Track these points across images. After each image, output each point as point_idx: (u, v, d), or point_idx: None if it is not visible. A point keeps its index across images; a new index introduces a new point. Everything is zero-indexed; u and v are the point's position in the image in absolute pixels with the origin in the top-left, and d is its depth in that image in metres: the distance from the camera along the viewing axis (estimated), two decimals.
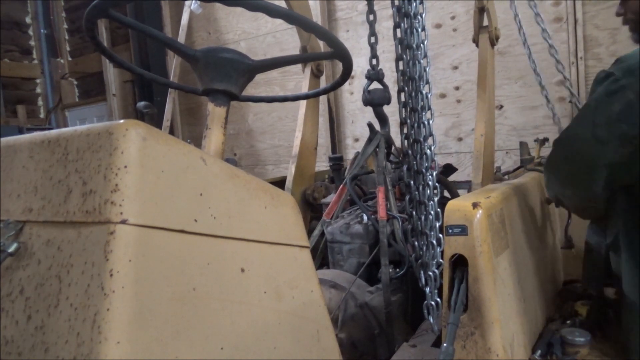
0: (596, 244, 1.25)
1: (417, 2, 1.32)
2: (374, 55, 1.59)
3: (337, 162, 2.07)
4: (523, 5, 2.47)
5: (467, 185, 1.87)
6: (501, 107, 2.92)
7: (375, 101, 1.65)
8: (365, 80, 1.65)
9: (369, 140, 1.68)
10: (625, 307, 1.11)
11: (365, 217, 1.56)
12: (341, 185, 1.70)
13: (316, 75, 2.19)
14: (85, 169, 0.60)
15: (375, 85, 1.65)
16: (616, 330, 1.27)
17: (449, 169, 1.90)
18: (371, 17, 1.53)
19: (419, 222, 1.36)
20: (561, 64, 2.01)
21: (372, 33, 1.55)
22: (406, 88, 1.37)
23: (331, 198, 1.72)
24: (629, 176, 1.03)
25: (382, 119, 1.73)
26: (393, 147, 1.74)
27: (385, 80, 1.66)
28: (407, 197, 1.40)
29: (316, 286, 0.89)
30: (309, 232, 1.56)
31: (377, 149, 1.64)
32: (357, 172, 1.72)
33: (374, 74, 1.61)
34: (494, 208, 1.05)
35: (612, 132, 0.97)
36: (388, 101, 1.65)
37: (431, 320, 1.24)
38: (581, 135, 1.04)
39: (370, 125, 1.70)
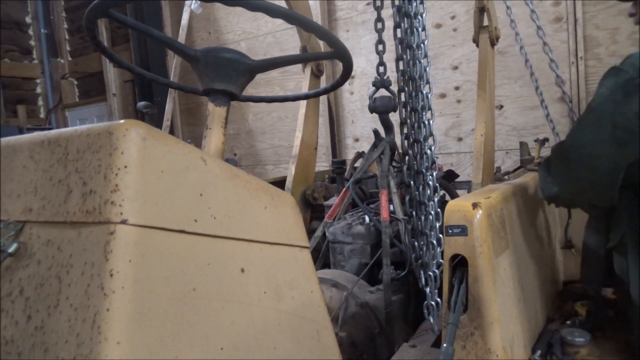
0: (595, 245, 1.24)
1: (417, 2, 1.32)
2: (380, 62, 1.56)
3: (339, 165, 2.07)
4: (522, 5, 2.47)
5: (467, 185, 1.88)
6: (501, 107, 2.92)
7: (380, 109, 1.64)
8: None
9: (374, 146, 1.68)
10: (632, 310, 1.10)
11: (367, 218, 1.56)
12: (344, 189, 1.70)
13: (316, 75, 2.18)
14: (85, 169, 0.60)
15: (381, 91, 1.64)
16: (616, 330, 1.26)
17: (451, 175, 1.90)
18: (379, 25, 1.51)
19: (419, 222, 1.36)
20: (554, 62, 2.00)
21: (380, 41, 1.53)
22: (406, 88, 1.37)
23: (333, 200, 1.72)
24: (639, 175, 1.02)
25: (387, 126, 1.72)
26: (396, 154, 1.74)
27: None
28: (407, 198, 1.40)
29: (316, 286, 0.89)
30: (309, 233, 1.56)
31: (382, 156, 1.64)
32: (360, 177, 1.72)
33: (380, 82, 1.60)
34: (494, 208, 1.05)
35: (633, 132, 0.96)
36: (394, 109, 1.64)
37: (431, 320, 1.24)
38: (599, 138, 1.02)
39: (375, 132, 1.70)
